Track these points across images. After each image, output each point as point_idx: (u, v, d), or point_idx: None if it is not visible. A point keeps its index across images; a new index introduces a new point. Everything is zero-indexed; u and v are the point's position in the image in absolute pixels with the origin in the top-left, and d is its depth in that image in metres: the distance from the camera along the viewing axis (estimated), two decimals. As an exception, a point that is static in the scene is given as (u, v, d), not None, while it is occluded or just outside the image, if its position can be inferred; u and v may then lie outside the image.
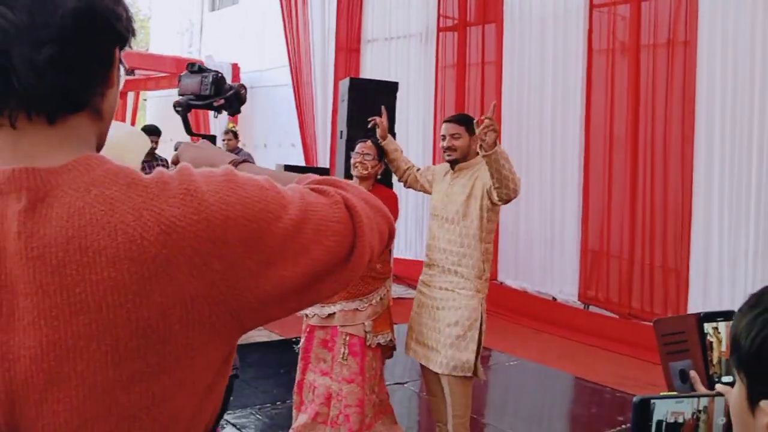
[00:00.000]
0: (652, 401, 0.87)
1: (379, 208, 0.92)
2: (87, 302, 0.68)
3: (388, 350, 3.46)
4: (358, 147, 3.41)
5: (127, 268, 0.69)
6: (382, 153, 3.46)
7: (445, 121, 3.39)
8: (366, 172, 3.37)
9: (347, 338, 3.29)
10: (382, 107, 3.58)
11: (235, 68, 10.98)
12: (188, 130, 1.41)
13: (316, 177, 0.91)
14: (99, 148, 0.82)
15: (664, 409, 0.87)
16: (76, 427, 0.70)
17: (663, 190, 5.65)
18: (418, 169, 3.59)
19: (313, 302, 0.84)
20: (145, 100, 14.24)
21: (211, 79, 1.31)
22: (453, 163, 3.33)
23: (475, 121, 3.01)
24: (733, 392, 0.74)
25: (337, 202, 0.84)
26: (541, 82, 6.64)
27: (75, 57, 0.74)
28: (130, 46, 0.85)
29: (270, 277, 0.75)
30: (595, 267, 6.17)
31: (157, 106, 13.63)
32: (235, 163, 1.02)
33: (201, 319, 0.72)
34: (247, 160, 1.06)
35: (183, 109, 1.39)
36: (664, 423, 0.87)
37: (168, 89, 11.64)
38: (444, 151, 3.32)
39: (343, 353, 3.27)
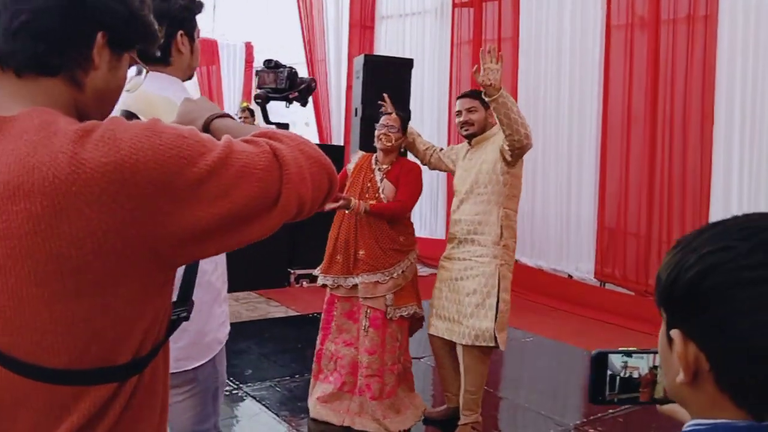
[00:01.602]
0: (610, 355, 0.87)
1: (317, 159, 0.97)
2: (10, 229, 0.81)
3: (417, 323, 3.49)
4: (383, 119, 3.42)
5: (40, 201, 0.80)
6: (405, 126, 3.46)
7: (460, 97, 3.40)
8: (390, 144, 3.37)
9: (369, 311, 3.33)
10: (384, 95, 3.57)
11: (248, 47, 10.94)
12: (266, 118, 1.54)
13: (262, 130, 0.99)
14: (82, 117, 0.93)
15: (618, 364, 0.87)
16: (9, 333, 0.84)
17: (682, 167, 5.59)
18: (441, 149, 3.58)
19: (241, 243, 0.92)
20: (159, 79, 14.24)
21: (286, 74, 1.45)
22: (470, 137, 3.33)
23: (473, 70, 2.98)
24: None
25: (265, 151, 0.91)
26: (559, 59, 6.56)
27: (45, 27, 0.88)
28: (135, 47, 0.98)
29: (185, 216, 0.83)
30: (611, 244, 6.15)
31: (171, 85, 13.63)
32: (215, 117, 1.12)
33: (115, 251, 0.82)
34: (229, 115, 1.15)
35: (263, 100, 1.52)
36: (618, 377, 0.87)
37: (182, 68, 11.64)
38: (461, 127, 3.33)
39: (365, 326, 3.32)
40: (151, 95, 1.25)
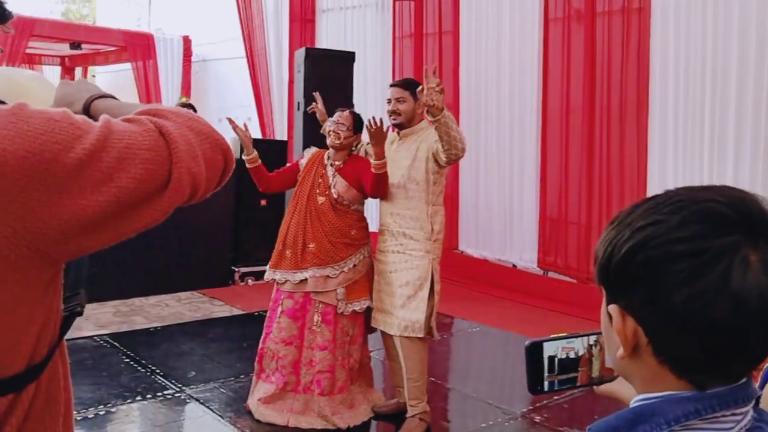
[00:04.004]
0: (544, 343, 0.88)
1: (208, 134, 0.90)
2: None
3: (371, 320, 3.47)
4: (335, 116, 3.40)
5: None
6: (359, 124, 3.43)
7: (391, 86, 3.43)
8: (338, 142, 3.35)
9: (321, 306, 3.30)
10: (315, 93, 3.64)
11: (186, 41, 10.67)
12: None
13: (145, 108, 0.91)
14: None
15: (555, 346, 0.88)
16: None
17: (619, 156, 5.73)
18: (367, 143, 3.59)
19: (133, 231, 0.84)
20: (94, 76, 13.78)
21: None
22: (399, 128, 3.36)
23: (417, 90, 3.01)
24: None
25: (149, 129, 0.83)
26: (498, 52, 6.63)
27: None
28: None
29: (66, 206, 0.75)
30: (553, 234, 6.26)
31: (106, 81, 13.20)
32: (95, 98, 1.02)
33: None
34: (112, 96, 1.06)
35: None
36: (556, 359, 0.88)
37: (117, 63, 11.25)
38: (389, 115, 3.36)
39: (317, 321, 3.28)
40: (18, 75, 1.14)
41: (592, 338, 0.90)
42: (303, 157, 3.59)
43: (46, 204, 0.74)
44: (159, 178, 0.82)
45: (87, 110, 1.02)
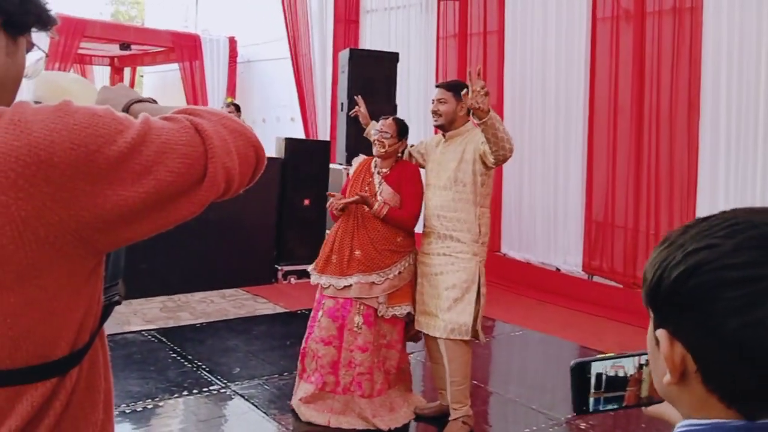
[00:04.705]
0: (590, 363, 0.85)
1: (241, 132, 0.95)
2: None
3: (412, 327, 3.47)
4: (379, 124, 3.43)
5: None
6: (403, 131, 3.45)
7: (436, 86, 3.45)
8: (384, 150, 3.38)
9: (362, 308, 3.32)
10: (357, 97, 3.72)
11: (232, 42, 10.84)
12: None
13: (181, 108, 0.96)
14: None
15: (602, 365, 0.85)
16: None
17: (668, 159, 5.59)
18: (412, 146, 3.59)
19: (171, 223, 0.88)
20: (142, 76, 14.10)
21: None
22: (441, 129, 3.37)
23: (462, 93, 3.01)
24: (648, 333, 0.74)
25: (186, 127, 0.88)
26: (545, 52, 6.54)
27: None
28: (31, 30, 0.92)
29: (109, 196, 0.80)
30: (599, 237, 6.15)
31: (154, 81, 13.49)
32: (134, 101, 1.08)
33: (38, 239, 0.77)
34: (152, 99, 1.12)
35: None
36: (604, 376, 0.85)
37: (164, 64, 11.49)
38: (432, 115, 3.37)
39: (358, 323, 3.30)
40: (60, 78, 1.19)
41: (644, 358, 0.87)
42: (351, 166, 3.63)
43: (90, 193, 0.79)
44: (195, 172, 0.87)
45: (126, 113, 1.06)
